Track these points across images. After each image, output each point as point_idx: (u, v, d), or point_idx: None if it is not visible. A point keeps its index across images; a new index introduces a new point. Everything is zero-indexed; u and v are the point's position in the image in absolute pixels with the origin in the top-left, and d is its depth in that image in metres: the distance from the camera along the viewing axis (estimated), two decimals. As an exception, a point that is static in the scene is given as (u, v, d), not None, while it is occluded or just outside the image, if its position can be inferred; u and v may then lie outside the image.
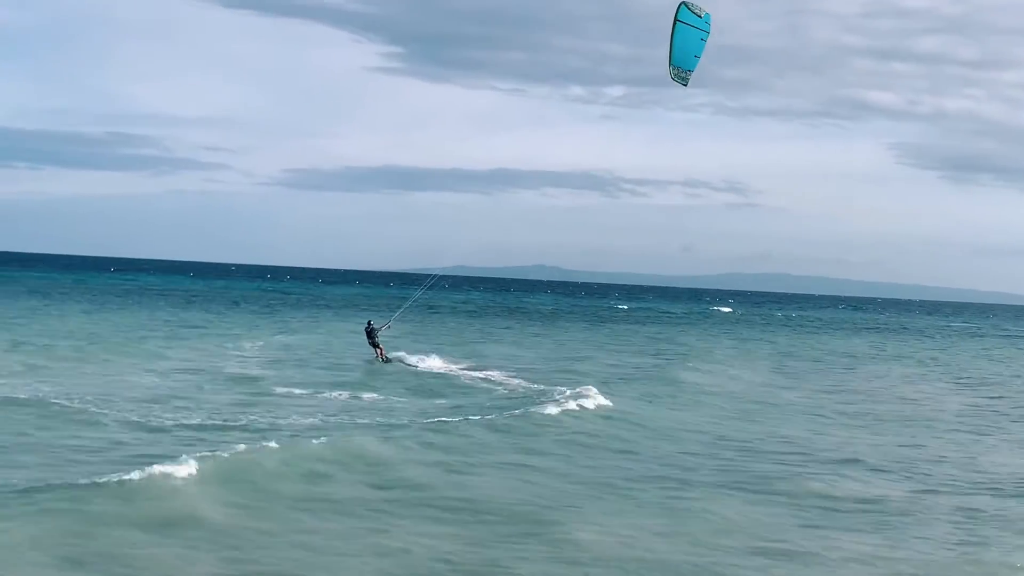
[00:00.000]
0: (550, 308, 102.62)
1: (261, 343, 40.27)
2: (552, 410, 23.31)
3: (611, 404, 25.33)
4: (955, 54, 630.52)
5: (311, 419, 21.36)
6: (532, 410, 23.22)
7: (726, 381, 34.95)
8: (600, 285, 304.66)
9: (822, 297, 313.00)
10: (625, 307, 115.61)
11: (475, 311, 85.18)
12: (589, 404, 24.89)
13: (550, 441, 20.09)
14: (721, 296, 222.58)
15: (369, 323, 36.31)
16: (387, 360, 34.97)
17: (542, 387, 28.90)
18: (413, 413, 23.25)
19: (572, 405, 24.19)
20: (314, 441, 17.35)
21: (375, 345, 35.28)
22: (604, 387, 27.88)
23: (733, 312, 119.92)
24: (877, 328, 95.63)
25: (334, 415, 22.34)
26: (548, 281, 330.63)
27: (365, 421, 21.50)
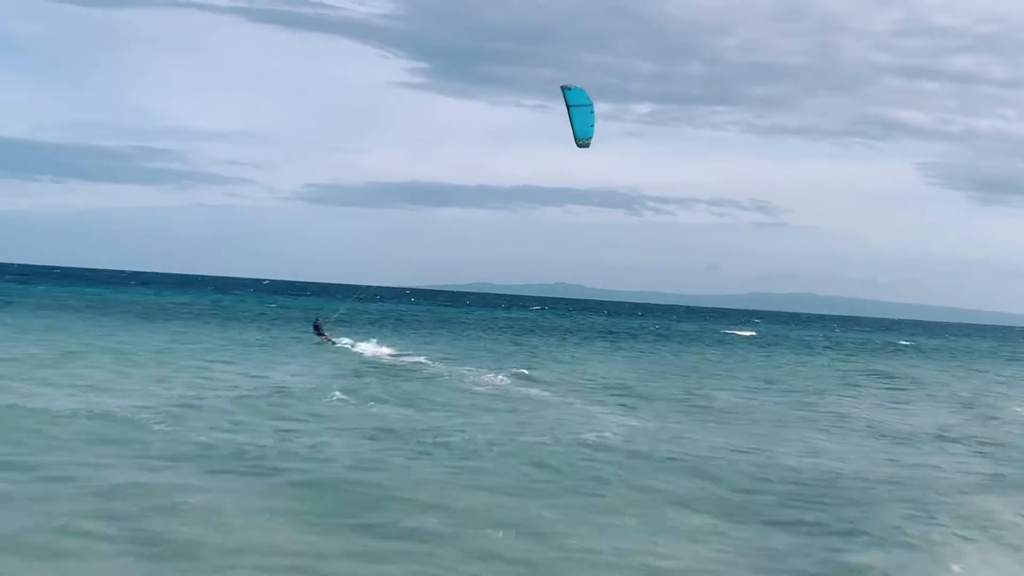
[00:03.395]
0: (690, 333, 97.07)
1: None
2: None
3: None
4: (987, 73, 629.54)
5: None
6: None
7: None
8: (632, 305, 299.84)
9: (865, 319, 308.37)
10: (752, 333, 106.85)
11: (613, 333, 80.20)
12: None
13: None
14: (745, 316, 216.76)
15: (317, 319, 48.60)
16: (333, 343, 44.64)
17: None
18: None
19: None
20: None
21: (321, 334, 46.21)
22: None
23: (830, 336, 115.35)
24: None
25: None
26: (573, 299, 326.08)
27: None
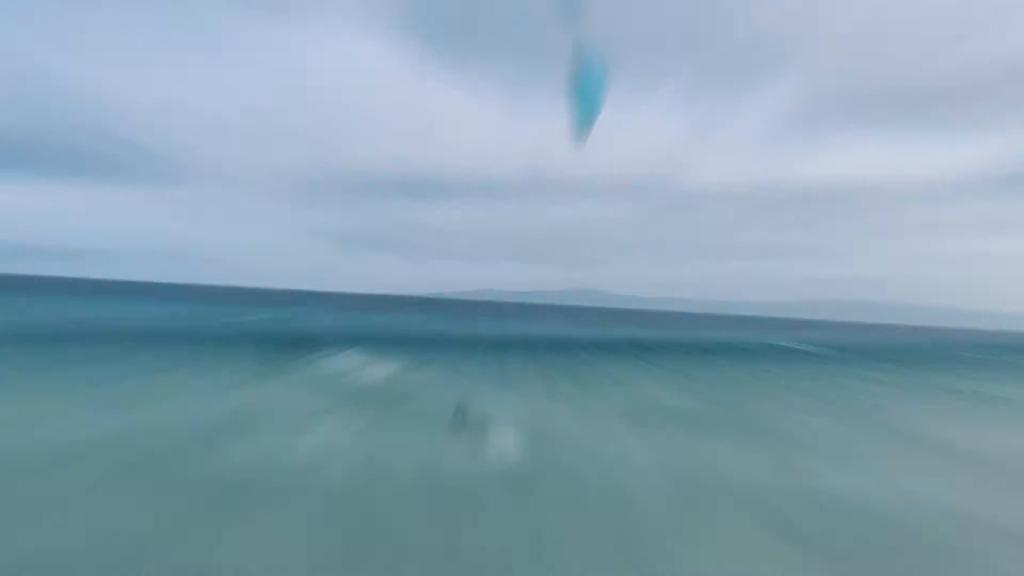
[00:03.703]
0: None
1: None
2: None
3: None
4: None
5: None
6: None
7: None
8: (662, 314, 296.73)
9: (924, 328, 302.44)
10: (804, 346, 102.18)
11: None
12: None
13: None
14: (791, 325, 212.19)
15: (296, 343, 49.51)
16: (319, 365, 42.49)
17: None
18: None
19: None
20: None
21: (299, 358, 44.64)
22: None
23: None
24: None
25: None
26: (595, 308, 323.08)
27: None
